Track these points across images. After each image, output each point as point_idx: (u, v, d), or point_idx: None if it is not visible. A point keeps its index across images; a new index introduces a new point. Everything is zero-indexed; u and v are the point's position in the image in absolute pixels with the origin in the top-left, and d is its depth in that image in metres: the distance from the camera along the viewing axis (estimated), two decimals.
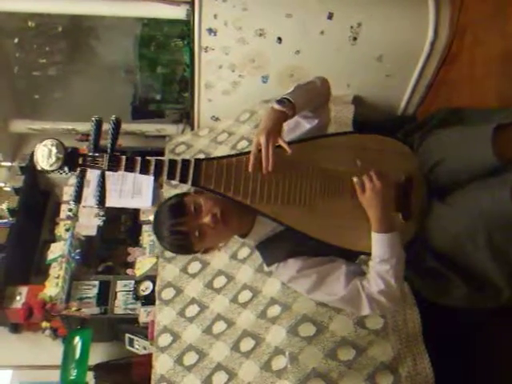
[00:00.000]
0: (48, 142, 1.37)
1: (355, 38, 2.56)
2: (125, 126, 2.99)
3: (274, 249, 1.51)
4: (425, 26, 2.51)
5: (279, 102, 1.42)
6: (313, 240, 1.45)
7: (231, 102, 2.85)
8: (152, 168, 1.39)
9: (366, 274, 1.45)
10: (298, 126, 1.56)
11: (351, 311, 1.86)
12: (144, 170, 1.39)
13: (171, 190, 2.57)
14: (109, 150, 1.39)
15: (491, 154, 1.41)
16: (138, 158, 1.39)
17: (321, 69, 2.64)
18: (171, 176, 1.39)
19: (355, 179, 1.43)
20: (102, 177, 1.42)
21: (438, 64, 2.64)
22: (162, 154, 2.92)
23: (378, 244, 1.41)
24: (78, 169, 1.40)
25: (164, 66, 2.98)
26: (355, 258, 1.56)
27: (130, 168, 1.39)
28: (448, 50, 2.56)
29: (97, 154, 1.39)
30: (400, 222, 1.48)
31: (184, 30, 2.70)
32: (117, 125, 1.40)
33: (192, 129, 3.05)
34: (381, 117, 2.85)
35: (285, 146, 1.39)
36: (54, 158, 1.36)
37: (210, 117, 2.96)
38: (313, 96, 1.53)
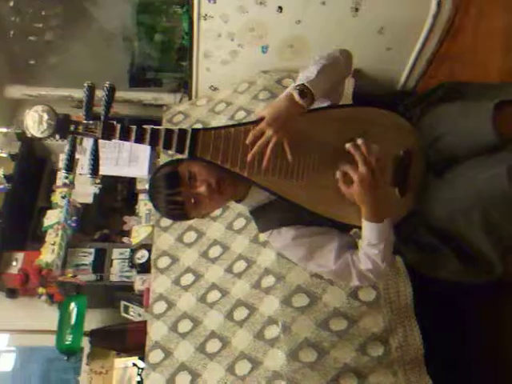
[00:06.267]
0: (39, 107, 1.33)
1: (357, 9, 2.52)
2: (122, 94, 2.97)
3: (268, 216, 1.51)
4: None
5: (301, 92, 1.34)
6: (308, 211, 1.46)
7: (230, 72, 2.82)
8: (147, 137, 1.35)
9: (358, 246, 1.46)
10: None
11: (341, 282, 1.91)
12: (139, 139, 1.35)
13: (169, 159, 2.56)
14: (102, 118, 1.35)
15: (491, 131, 1.40)
16: (133, 127, 1.35)
17: (321, 40, 2.62)
18: (167, 146, 1.36)
19: (338, 174, 1.38)
20: (95, 145, 1.38)
21: (441, 37, 2.60)
22: (159, 123, 2.90)
23: (367, 229, 1.41)
24: (70, 136, 1.37)
25: (162, 33, 2.93)
26: (349, 230, 1.57)
27: (124, 137, 1.35)
28: (451, 24, 2.53)
29: (90, 122, 1.35)
30: (396, 197, 1.48)
31: None
32: (111, 92, 1.35)
33: (190, 98, 3.02)
34: (381, 90, 2.83)
35: (287, 149, 1.35)
36: (45, 125, 1.32)
37: (208, 86, 2.93)
38: (335, 79, 1.48)
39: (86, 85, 1.35)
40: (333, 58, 1.47)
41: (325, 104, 1.53)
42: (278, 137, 1.33)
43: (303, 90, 1.35)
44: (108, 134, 1.35)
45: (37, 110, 1.33)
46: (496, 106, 1.42)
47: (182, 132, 1.37)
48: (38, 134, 1.33)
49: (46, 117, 1.32)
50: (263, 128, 1.34)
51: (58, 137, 1.35)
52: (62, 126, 1.35)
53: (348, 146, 1.37)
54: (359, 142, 1.37)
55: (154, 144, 1.38)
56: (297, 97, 1.34)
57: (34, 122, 1.32)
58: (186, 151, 1.37)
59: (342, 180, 1.39)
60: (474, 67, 2.40)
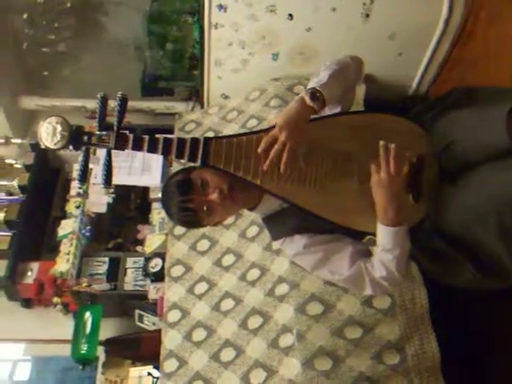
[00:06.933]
0: (53, 119, 1.34)
1: (368, 15, 2.52)
2: (134, 104, 2.99)
3: (281, 224, 1.51)
4: (439, 2, 2.46)
5: (312, 95, 1.35)
6: (321, 219, 1.45)
7: (241, 80, 2.83)
8: (160, 147, 1.36)
9: (371, 254, 1.45)
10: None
11: (353, 290, 1.87)
12: (152, 149, 1.36)
13: (181, 168, 2.57)
14: (115, 128, 1.36)
15: (505, 136, 1.39)
16: (146, 137, 1.36)
17: (332, 47, 2.62)
18: (180, 155, 1.37)
19: (373, 166, 1.37)
20: (109, 156, 1.39)
21: (452, 42, 2.59)
22: (171, 131, 2.91)
23: (382, 234, 1.40)
24: (83, 147, 1.38)
25: (173, 42, 2.95)
26: (362, 237, 1.56)
27: (137, 147, 1.36)
28: (462, 28, 2.51)
29: (103, 133, 1.36)
30: (410, 203, 1.47)
31: (194, 5, 2.67)
32: (123, 102, 1.37)
33: (202, 107, 3.04)
34: (392, 96, 2.82)
35: (301, 155, 1.36)
36: (58, 136, 1.33)
37: (220, 95, 2.94)
38: (346, 84, 1.48)
39: (98, 96, 1.36)
40: (343, 64, 1.48)
41: (336, 110, 1.52)
42: (292, 141, 1.33)
43: (314, 93, 1.36)
44: (121, 145, 1.36)
45: (50, 122, 1.34)
46: (509, 110, 1.41)
47: (194, 141, 1.38)
48: (51, 146, 1.35)
49: (59, 128, 1.33)
50: (276, 133, 1.34)
51: (71, 148, 1.36)
52: (75, 137, 1.36)
53: (382, 143, 1.37)
54: (392, 146, 1.37)
55: (166, 153, 1.39)
56: (308, 99, 1.35)
57: (48, 134, 1.34)
58: (199, 160, 1.38)
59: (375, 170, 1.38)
60: (485, 72, 2.39)
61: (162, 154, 1.39)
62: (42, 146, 1.36)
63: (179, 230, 2.54)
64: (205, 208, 1.41)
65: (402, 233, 1.39)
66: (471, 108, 1.56)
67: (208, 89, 2.90)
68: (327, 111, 1.51)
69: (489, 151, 1.45)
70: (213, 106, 2.96)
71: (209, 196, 1.41)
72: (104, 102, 1.36)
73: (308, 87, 1.39)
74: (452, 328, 2.00)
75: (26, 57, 3.20)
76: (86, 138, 1.37)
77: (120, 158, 2.80)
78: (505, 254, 1.46)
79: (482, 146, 1.46)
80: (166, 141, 1.37)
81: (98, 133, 1.37)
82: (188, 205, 1.41)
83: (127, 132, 1.38)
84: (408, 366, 1.90)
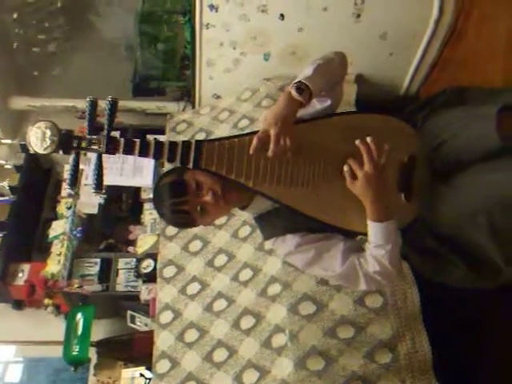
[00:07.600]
0: (42, 124, 1.32)
1: (359, 15, 2.52)
2: (125, 103, 2.98)
3: (273, 223, 1.51)
4: (430, 2, 2.47)
5: (298, 88, 1.37)
6: (313, 219, 1.45)
7: (232, 80, 2.83)
8: (152, 151, 1.35)
9: (363, 250, 1.45)
10: (309, 104, 1.53)
11: (348, 286, 1.86)
12: (143, 153, 1.35)
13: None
14: (106, 133, 1.34)
15: (495, 136, 1.40)
16: (137, 141, 1.35)
17: (323, 46, 2.60)
18: (171, 159, 1.36)
19: (345, 168, 1.38)
20: (99, 160, 1.37)
21: (443, 42, 2.60)
22: (162, 131, 2.90)
23: (373, 231, 1.40)
24: (73, 152, 1.36)
25: (165, 42, 2.94)
26: (354, 237, 1.56)
27: (128, 151, 1.35)
28: (453, 28, 2.52)
29: (93, 136, 1.34)
30: (402, 202, 1.48)
31: (185, 5, 2.66)
32: (113, 106, 1.35)
33: (193, 107, 3.03)
34: (383, 96, 2.83)
35: (290, 149, 1.36)
36: (48, 141, 1.31)
37: (211, 95, 2.94)
38: (331, 77, 1.50)
39: (88, 99, 1.34)
40: (327, 58, 1.51)
41: (326, 104, 1.53)
42: (284, 133, 1.33)
43: (300, 87, 1.38)
44: (112, 149, 1.35)
45: (39, 127, 1.32)
46: (499, 110, 1.42)
47: (186, 144, 1.37)
48: (41, 151, 1.32)
49: (48, 133, 1.31)
50: (267, 129, 1.34)
51: (61, 152, 1.34)
52: (64, 141, 1.34)
53: (357, 142, 1.38)
54: (368, 139, 1.38)
55: (158, 157, 1.38)
56: (294, 93, 1.37)
57: (37, 139, 1.31)
58: (191, 163, 1.37)
59: (350, 175, 1.39)
60: (476, 72, 2.40)
61: (154, 157, 1.38)
62: (31, 151, 1.34)
63: (171, 230, 2.53)
64: (198, 209, 1.41)
65: (392, 227, 1.39)
66: (462, 108, 1.57)
67: (199, 89, 2.90)
68: (317, 105, 1.52)
69: (479, 151, 1.46)
70: (204, 106, 2.95)
71: (203, 198, 1.41)
72: (93, 105, 1.34)
73: (294, 82, 1.41)
74: (444, 327, 2.01)
75: (16, 57, 3.18)
76: (75, 142, 1.35)
77: (111, 158, 2.79)
78: (495, 253, 1.47)
79: (473, 146, 1.47)
80: (157, 145, 1.36)
81: (88, 137, 1.35)
82: (182, 207, 1.41)
83: (118, 136, 1.37)
84: (400, 364, 1.90)
